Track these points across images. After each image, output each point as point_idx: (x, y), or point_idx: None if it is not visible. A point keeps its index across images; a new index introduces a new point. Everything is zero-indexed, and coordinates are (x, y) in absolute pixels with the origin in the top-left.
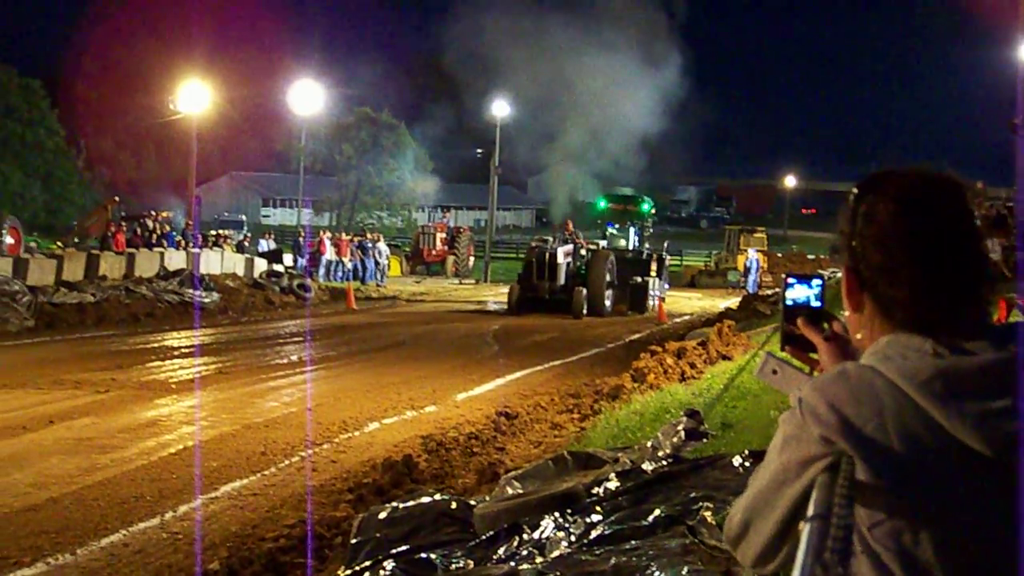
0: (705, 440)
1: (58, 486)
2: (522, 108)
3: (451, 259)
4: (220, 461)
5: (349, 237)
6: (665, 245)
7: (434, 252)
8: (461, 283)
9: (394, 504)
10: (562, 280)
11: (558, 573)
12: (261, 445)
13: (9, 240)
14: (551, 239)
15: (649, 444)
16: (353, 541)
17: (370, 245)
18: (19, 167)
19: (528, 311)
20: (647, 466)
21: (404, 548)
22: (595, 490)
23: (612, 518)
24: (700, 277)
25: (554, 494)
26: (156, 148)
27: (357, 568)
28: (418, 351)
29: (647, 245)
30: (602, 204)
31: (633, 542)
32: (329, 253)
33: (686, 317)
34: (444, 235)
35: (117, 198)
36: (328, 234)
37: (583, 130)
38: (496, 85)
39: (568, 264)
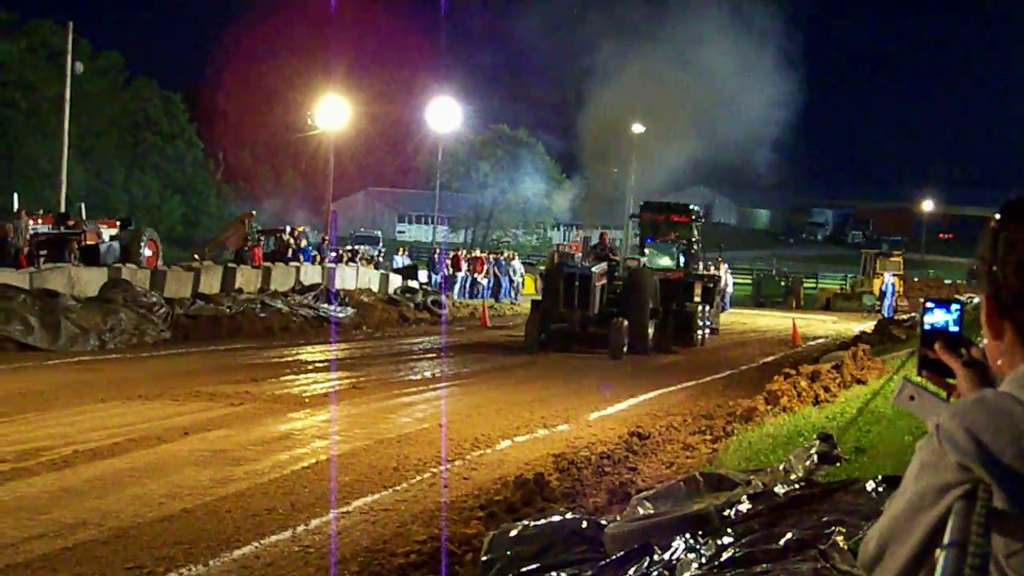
0: (838, 464)
1: (191, 497)
2: (657, 127)
3: None
4: (352, 476)
5: (485, 255)
6: (718, 265)
7: None
8: None
9: (525, 522)
10: (597, 308)
11: None
12: (394, 460)
13: (147, 252)
14: (578, 254)
15: (781, 467)
16: (484, 558)
17: (505, 263)
18: (158, 179)
19: (551, 347)
20: (779, 489)
21: (534, 566)
22: (727, 512)
23: (743, 541)
24: (835, 300)
25: (686, 515)
26: (293, 162)
27: None
28: (551, 370)
29: (698, 264)
30: (639, 212)
31: (764, 565)
32: (464, 270)
33: (820, 340)
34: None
35: (254, 212)
36: (464, 251)
37: (714, 147)
38: (631, 104)
39: (603, 287)
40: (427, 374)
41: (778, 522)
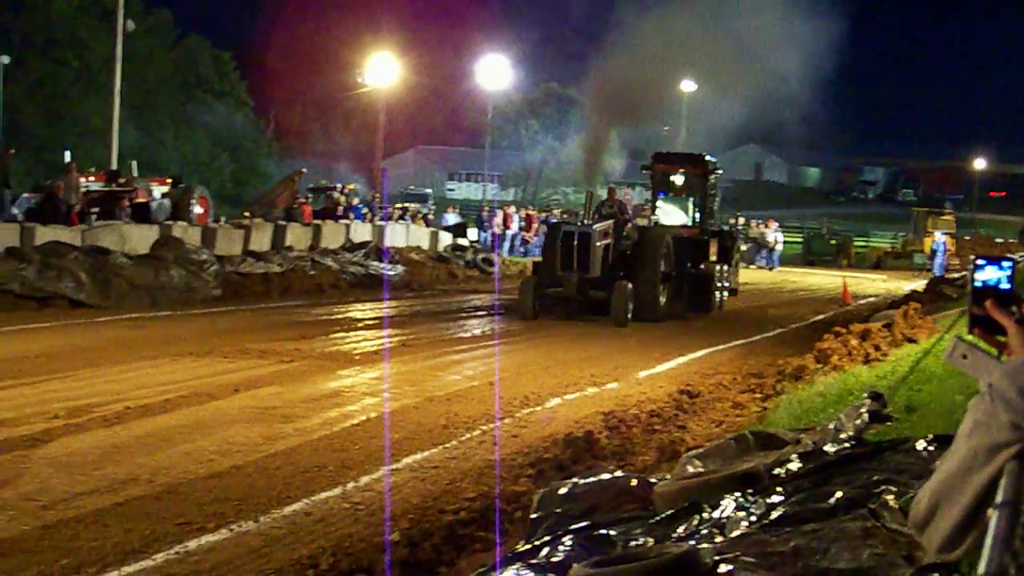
0: (888, 423)
1: (242, 454)
2: (708, 85)
3: None
4: (402, 433)
5: (535, 212)
6: (738, 221)
7: None
8: None
9: (574, 480)
10: (598, 270)
11: (738, 553)
12: (443, 418)
13: (198, 210)
14: (581, 211)
15: (831, 426)
16: (533, 516)
17: (554, 221)
18: (208, 138)
19: (548, 313)
20: (829, 448)
21: (583, 524)
22: (776, 471)
23: (793, 499)
24: (886, 259)
25: (735, 474)
26: (343, 120)
27: (536, 543)
28: (601, 327)
29: (715, 220)
30: (651, 165)
31: (814, 524)
32: (514, 227)
33: (871, 299)
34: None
35: (304, 170)
36: (513, 209)
37: (763, 103)
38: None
39: (607, 247)
40: (476, 332)
41: (828, 481)
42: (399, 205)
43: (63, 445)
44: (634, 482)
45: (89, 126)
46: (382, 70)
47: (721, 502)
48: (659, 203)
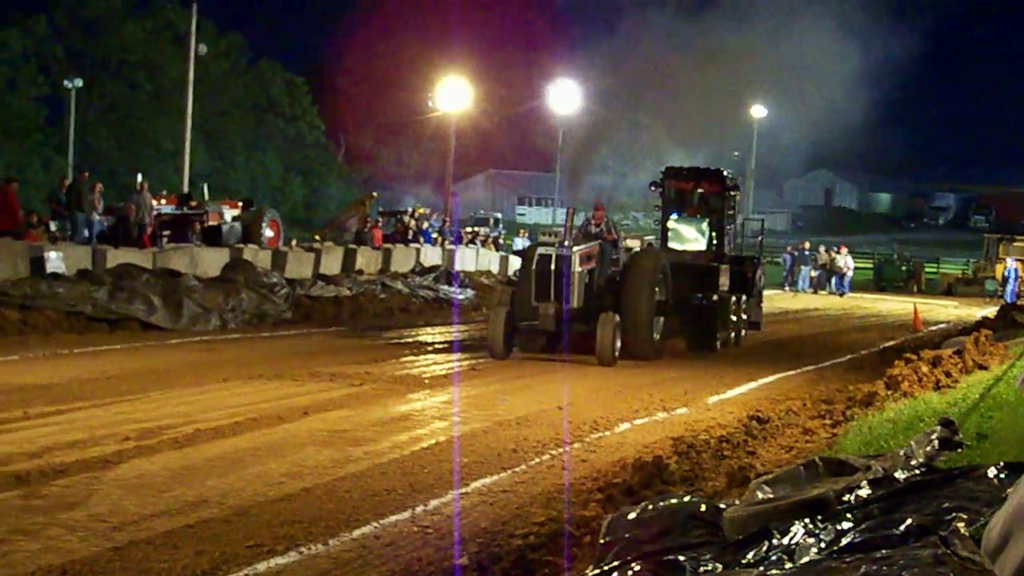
0: (959, 450)
1: (311, 477)
2: (778, 110)
3: None
4: (471, 457)
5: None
6: (839, 249)
7: None
8: None
9: (644, 505)
10: (580, 300)
11: None
12: (512, 442)
13: (269, 233)
14: (563, 231)
15: (902, 452)
16: (602, 540)
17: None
18: (280, 161)
19: (522, 347)
20: (899, 475)
21: (653, 549)
22: (846, 497)
23: (863, 526)
24: (957, 285)
25: (805, 500)
26: (414, 144)
27: (605, 568)
28: (669, 352)
29: (733, 243)
30: (661, 182)
31: (884, 551)
32: None
33: (942, 325)
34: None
35: (375, 193)
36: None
37: (834, 128)
38: (752, 86)
39: (591, 273)
40: (544, 356)
41: (898, 508)
42: (469, 229)
43: (134, 467)
44: (703, 507)
45: (161, 149)
46: (453, 94)
47: (791, 528)
48: (671, 224)
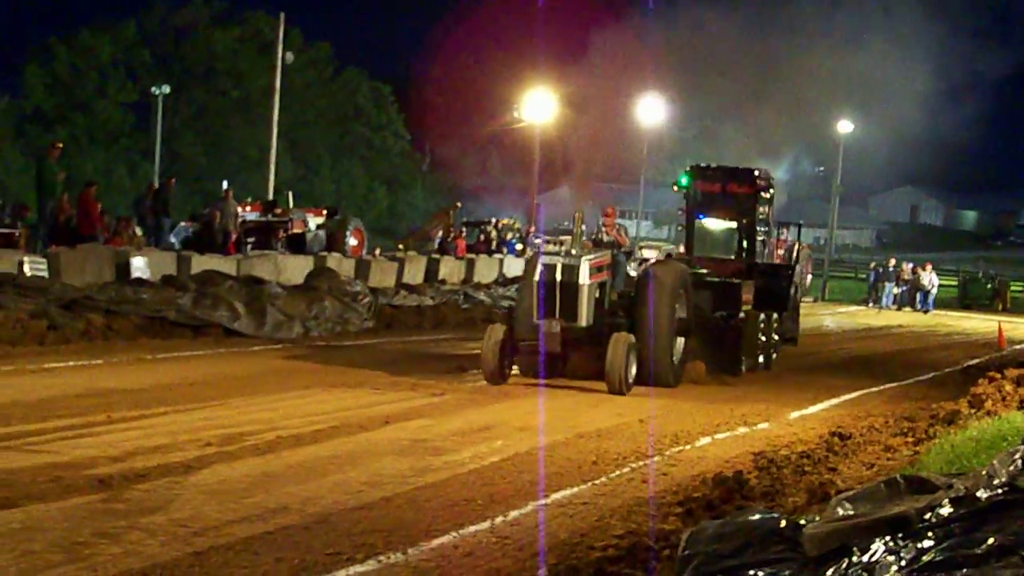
0: None
1: (391, 486)
2: (865, 126)
3: None
4: (551, 468)
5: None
6: (924, 267)
7: None
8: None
9: (724, 519)
10: (590, 317)
11: None
12: (593, 454)
13: (353, 242)
14: (570, 238)
15: (984, 472)
16: (681, 554)
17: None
18: (365, 170)
19: (523, 370)
20: (981, 494)
21: (732, 564)
22: (927, 516)
23: (944, 545)
24: None
25: (885, 518)
26: (499, 155)
27: None
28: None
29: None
30: (685, 181)
31: (965, 570)
32: None
33: None
34: (782, 252)
35: (459, 203)
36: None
37: (921, 144)
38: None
39: (601, 287)
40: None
41: (979, 527)
42: (553, 240)
43: (215, 472)
44: (783, 523)
45: (247, 157)
46: (539, 105)
47: (871, 546)
48: (697, 229)
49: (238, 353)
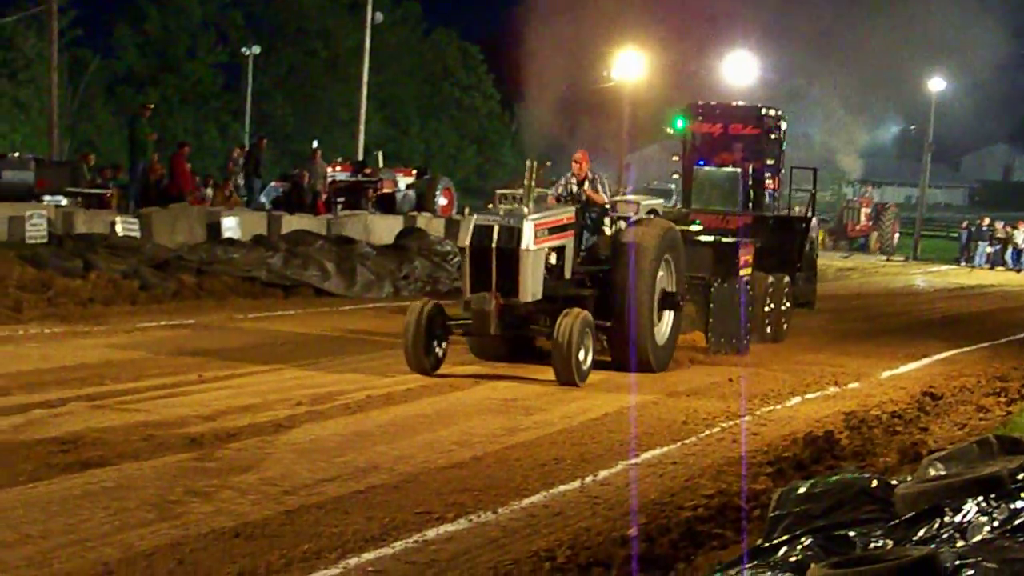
0: None
1: (481, 445)
2: (957, 84)
3: (875, 235)
4: (641, 428)
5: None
6: (1016, 226)
7: (858, 227)
8: (889, 260)
9: (814, 479)
10: (536, 290)
11: (979, 558)
12: (683, 414)
13: (442, 201)
14: (522, 192)
15: None
16: (772, 514)
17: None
18: (454, 130)
19: (477, 351)
20: None
21: (823, 524)
22: (1020, 476)
23: None
24: None
25: (978, 478)
26: (588, 115)
27: (775, 541)
28: (843, 327)
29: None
30: (680, 123)
31: None
32: None
33: None
34: (869, 211)
35: (549, 162)
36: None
37: (1016, 102)
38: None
39: (558, 254)
40: None
41: None
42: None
43: (305, 432)
44: (874, 483)
45: (336, 117)
46: (628, 65)
47: (963, 506)
48: (696, 178)
49: (328, 313)
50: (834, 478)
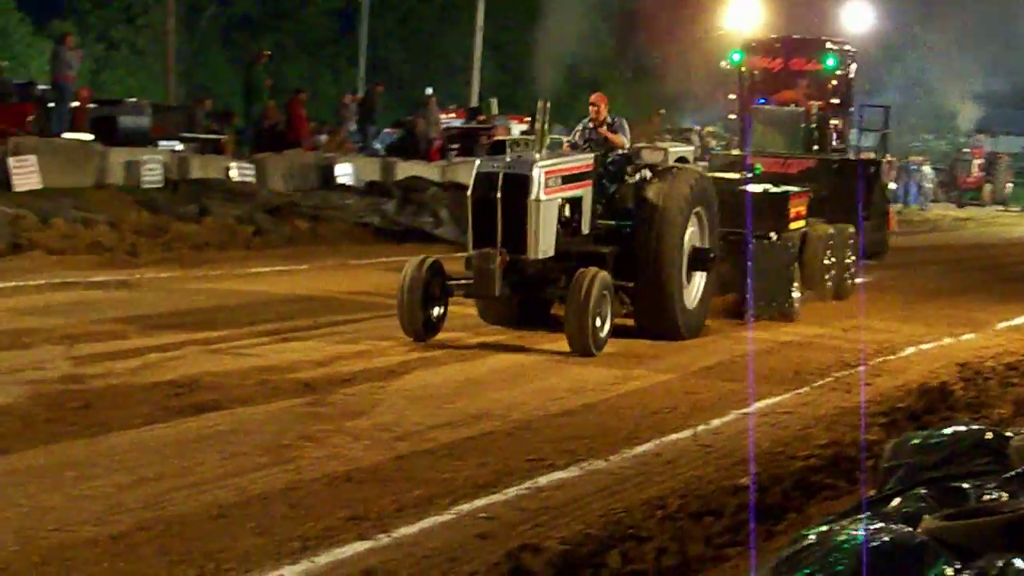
0: None
1: (594, 393)
2: None
3: (987, 186)
4: (755, 377)
5: (894, 159)
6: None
7: (969, 178)
8: (1005, 210)
9: (928, 430)
10: (543, 247)
11: None
12: (796, 364)
13: None
14: (531, 132)
15: None
16: (885, 465)
17: (914, 168)
18: (568, 77)
19: (486, 316)
20: None
21: (936, 475)
22: None
23: None
24: None
25: None
26: (704, 63)
27: (887, 492)
28: (959, 277)
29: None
30: (738, 57)
31: None
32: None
33: None
34: (980, 161)
35: (663, 110)
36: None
37: None
38: None
39: (573, 205)
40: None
41: None
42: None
43: (418, 378)
44: (989, 435)
45: (451, 63)
46: (742, 13)
47: None
48: (754, 118)
49: (442, 259)
50: (948, 429)
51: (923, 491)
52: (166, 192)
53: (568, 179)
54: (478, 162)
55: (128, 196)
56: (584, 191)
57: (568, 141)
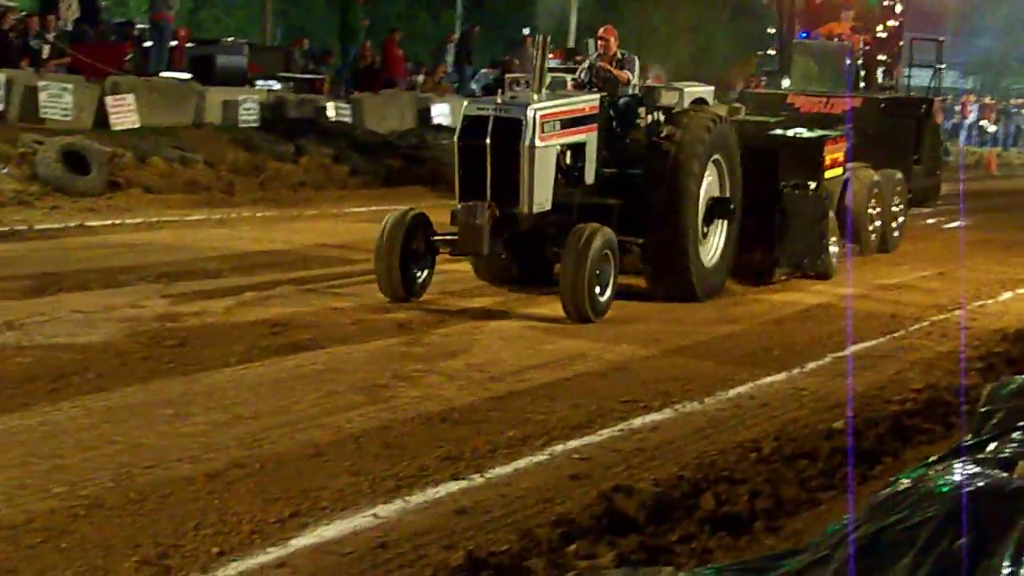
0: None
1: (691, 335)
2: None
3: None
4: (850, 321)
5: (995, 101)
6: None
7: None
8: None
9: None
10: (536, 201)
11: None
12: (891, 308)
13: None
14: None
15: None
16: (981, 410)
17: (1015, 111)
18: (666, 18)
19: (484, 274)
20: None
21: None
22: None
23: None
24: None
25: None
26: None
27: (984, 437)
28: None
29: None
30: None
31: None
32: (972, 117)
33: None
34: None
35: (760, 52)
36: (973, 98)
37: None
38: None
39: (573, 152)
40: (930, 221)
41: None
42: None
43: (513, 319)
44: None
45: (547, 4)
46: None
47: None
48: (796, 53)
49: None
50: None
51: (1020, 436)
52: (263, 131)
53: (569, 123)
54: (465, 103)
55: (225, 135)
56: (588, 136)
57: (573, 79)
